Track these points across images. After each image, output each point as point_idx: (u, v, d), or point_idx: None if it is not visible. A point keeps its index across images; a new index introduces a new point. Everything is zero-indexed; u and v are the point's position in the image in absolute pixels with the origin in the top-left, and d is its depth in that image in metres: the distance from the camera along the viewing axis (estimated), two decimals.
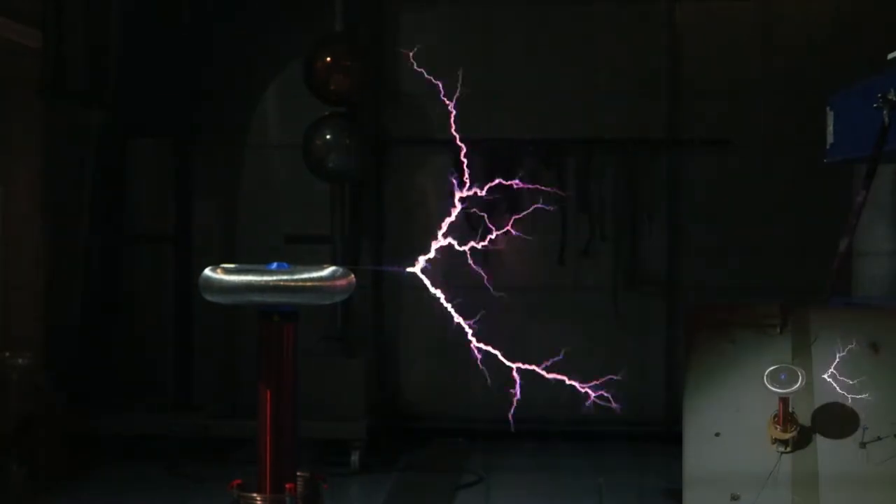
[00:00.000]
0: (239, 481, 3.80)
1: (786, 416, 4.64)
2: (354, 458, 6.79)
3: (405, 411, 7.89)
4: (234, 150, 7.98)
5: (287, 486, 3.69)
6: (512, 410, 4.44)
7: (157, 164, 7.90)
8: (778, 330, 4.87)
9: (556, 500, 6.23)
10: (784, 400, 4.62)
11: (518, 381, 4.41)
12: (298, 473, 3.80)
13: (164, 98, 7.45)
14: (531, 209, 7.84)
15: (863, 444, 4.65)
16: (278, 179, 7.94)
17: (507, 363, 4.31)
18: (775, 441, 4.67)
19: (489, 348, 4.52)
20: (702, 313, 5.07)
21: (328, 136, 7.16)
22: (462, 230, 7.78)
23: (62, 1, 7.04)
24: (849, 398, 4.66)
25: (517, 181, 7.85)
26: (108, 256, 7.57)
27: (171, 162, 7.70)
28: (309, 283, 3.60)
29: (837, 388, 4.66)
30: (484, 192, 7.79)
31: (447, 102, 7.94)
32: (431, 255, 4.05)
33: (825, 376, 4.68)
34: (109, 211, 7.57)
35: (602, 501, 6.15)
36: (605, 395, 7.76)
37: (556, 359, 7.93)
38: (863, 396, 4.66)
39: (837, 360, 4.68)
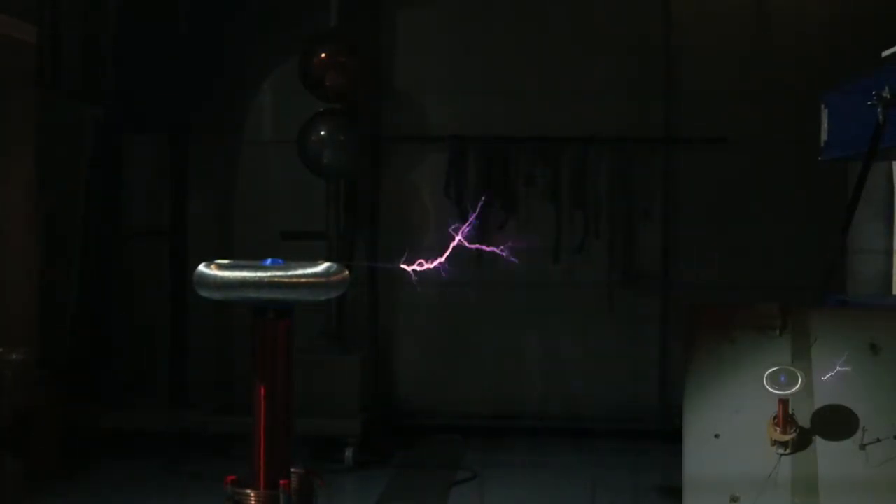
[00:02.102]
0: (233, 477, 3.80)
1: (785, 418, 4.64)
2: (349, 454, 6.80)
3: (400, 408, 7.90)
4: (230, 147, 7.99)
5: (281, 482, 3.69)
6: None
7: (152, 160, 7.90)
8: (777, 331, 4.87)
9: (550, 497, 6.24)
10: (783, 401, 4.63)
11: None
12: (293, 470, 3.80)
13: (159, 94, 7.45)
14: (526, 206, 7.88)
15: (862, 446, 4.65)
16: (274, 176, 7.94)
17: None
18: (775, 443, 4.67)
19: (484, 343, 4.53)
20: (701, 314, 5.07)
21: (324, 133, 7.16)
22: (457, 226, 7.83)
23: None
24: (848, 400, 4.66)
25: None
26: (103, 252, 7.57)
27: (166, 158, 7.71)
28: (304, 280, 3.59)
29: (837, 389, 4.67)
30: (479, 190, 7.83)
31: (443, 100, 7.99)
32: (427, 251, 4.05)
33: (825, 378, 4.68)
34: (105, 207, 7.57)
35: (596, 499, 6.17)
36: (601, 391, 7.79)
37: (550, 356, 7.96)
38: (862, 398, 4.66)
39: (837, 361, 4.68)
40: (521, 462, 7.13)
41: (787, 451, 4.69)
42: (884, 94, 4.92)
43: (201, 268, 3.63)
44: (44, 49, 6.88)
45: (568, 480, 6.60)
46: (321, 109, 7.22)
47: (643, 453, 7.14)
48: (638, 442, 7.42)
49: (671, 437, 5.22)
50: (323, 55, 7.17)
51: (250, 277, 3.57)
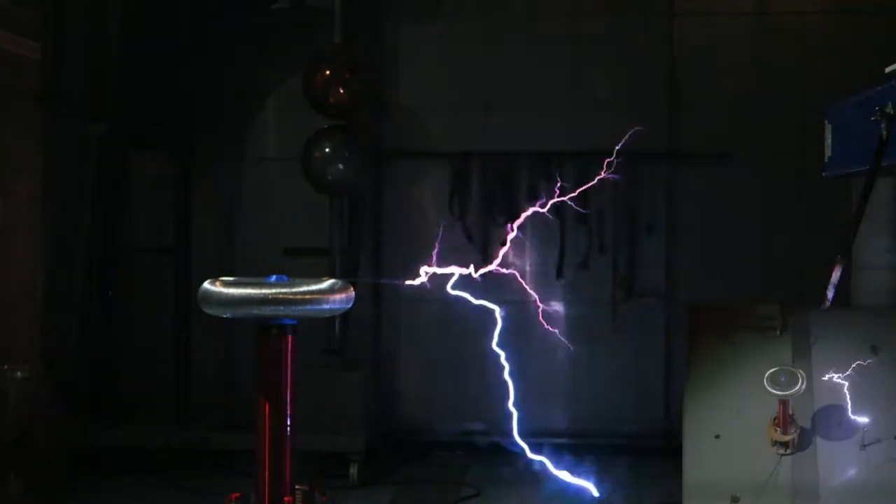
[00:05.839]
0: (237, 494, 3.80)
1: (786, 419, 4.63)
2: (353, 471, 6.79)
3: (404, 424, 7.88)
4: (234, 163, 8.00)
5: (286, 499, 3.69)
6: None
7: (156, 177, 7.91)
8: (778, 332, 4.88)
9: None
10: (784, 402, 4.62)
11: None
12: (297, 486, 3.79)
13: (164, 110, 7.47)
14: (530, 221, 7.87)
15: (863, 447, 4.65)
16: (278, 192, 7.95)
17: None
18: (775, 443, 4.67)
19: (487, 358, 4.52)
20: (702, 315, 5.09)
21: (327, 149, 7.18)
22: (461, 242, 7.85)
23: (62, 13, 7.07)
24: (849, 400, 4.66)
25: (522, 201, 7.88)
26: (107, 268, 7.58)
27: (170, 174, 7.72)
28: (308, 296, 3.59)
29: (837, 389, 4.66)
30: (482, 205, 7.83)
31: (446, 116, 8.01)
32: (430, 267, 4.05)
33: (825, 378, 4.67)
34: (109, 223, 7.58)
35: None
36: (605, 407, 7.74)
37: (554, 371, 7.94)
38: (863, 398, 4.66)
39: (837, 361, 4.68)
40: (524, 479, 7.10)
41: (788, 451, 4.68)
42: (887, 110, 4.92)
43: (206, 284, 3.63)
44: (48, 66, 6.91)
45: (571, 497, 6.58)
46: (325, 126, 7.24)
47: (646, 469, 7.12)
48: (641, 457, 7.40)
49: (675, 453, 5.21)
50: (326, 72, 7.19)
51: (255, 294, 3.56)
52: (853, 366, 4.64)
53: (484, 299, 4.54)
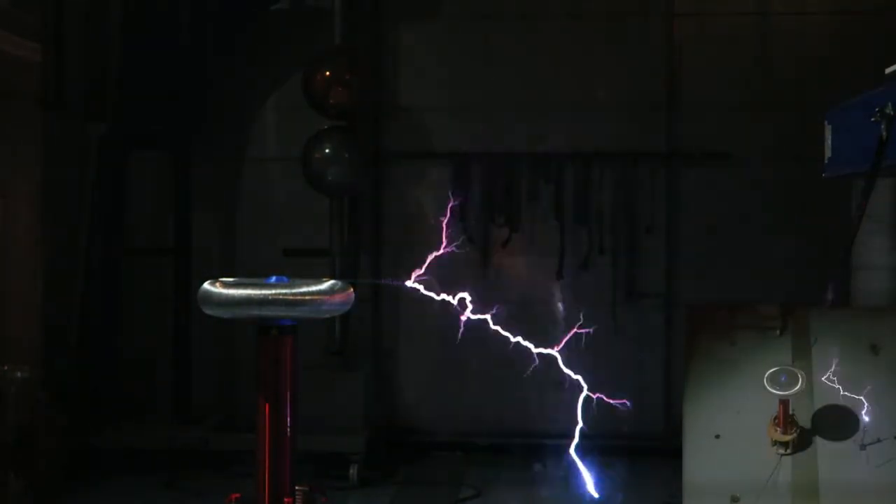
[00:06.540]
0: (237, 495, 3.80)
1: (786, 418, 4.64)
2: (353, 471, 6.78)
3: (404, 425, 7.88)
4: (234, 164, 7.99)
5: (286, 500, 3.69)
6: None
7: (156, 178, 7.91)
8: (778, 332, 4.89)
9: None
10: (784, 402, 4.63)
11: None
12: (297, 487, 3.79)
13: (164, 111, 7.47)
14: (530, 223, 7.88)
15: (863, 446, 4.66)
16: (278, 193, 7.95)
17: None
18: (775, 443, 4.68)
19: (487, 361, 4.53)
20: (702, 315, 5.09)
21: (327, 150, 7.17)
22: (461, 244, 7.83)
23: (62, 14, 7.06)
24: (849, 400, 4.66)
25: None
26: (107, 269, 7.57)
27: (170, 175, 7.72)
28: (308, 297, 3.59)
29: (837, 389, 4.67)
30: (482, 206, 7.83)
31: (446, 116, 8.00)
32: (430, 269, 4.05)
33: (825, 378, 4.68)
34: (109, 224, 7.58)
35: None
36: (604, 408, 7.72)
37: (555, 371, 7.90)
38: (863, 398, 4.66)
39: (837, 361, 4.69)
40: (524, 480, 7.10)
41: (788, 451, 4.69)
42: (887, 110, 4.91)
43: (206, 285, 3.64)
44: (48, 67, 6.90)
45: (570, 498, 6.58)
46: (325, 126, 7.24)
47: (647, 470, 7.12)
48: (642, 459, 7.39)
49: (675, 453, 5.21)
50: (326, 73, 7.18)
51: (255, 295, 3.57)
52: (853, 366, 4.65)
53: (483, 300, 4.54)
